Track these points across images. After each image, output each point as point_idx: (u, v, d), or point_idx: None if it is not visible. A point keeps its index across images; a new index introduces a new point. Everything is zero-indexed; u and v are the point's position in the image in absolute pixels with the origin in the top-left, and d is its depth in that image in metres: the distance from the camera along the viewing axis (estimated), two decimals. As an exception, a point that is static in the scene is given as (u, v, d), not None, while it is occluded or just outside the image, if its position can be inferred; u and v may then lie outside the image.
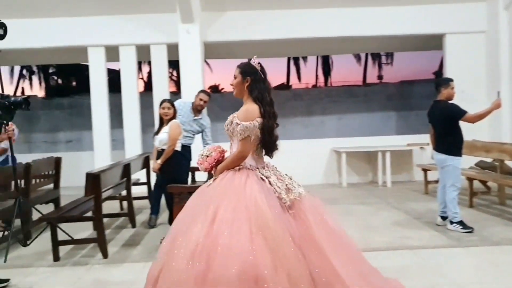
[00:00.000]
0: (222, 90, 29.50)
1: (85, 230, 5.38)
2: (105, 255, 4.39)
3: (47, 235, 4.82)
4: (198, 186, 2.88)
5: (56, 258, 4.34)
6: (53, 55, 10.53)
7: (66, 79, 26.10)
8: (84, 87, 14.02)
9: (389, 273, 3.14)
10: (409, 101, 14.54)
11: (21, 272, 4.06)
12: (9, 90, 25.13)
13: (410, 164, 9.24)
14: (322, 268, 2.44)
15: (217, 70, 49.89)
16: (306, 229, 2.55)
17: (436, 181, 6.00)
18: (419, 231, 5.06)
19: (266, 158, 2.90)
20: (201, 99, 5.93)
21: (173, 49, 8.77)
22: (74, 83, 25.49)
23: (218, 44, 9.19)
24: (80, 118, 13.70)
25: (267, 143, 2.78)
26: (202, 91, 6.15)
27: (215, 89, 27.86)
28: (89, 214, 4.85)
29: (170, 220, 4.30)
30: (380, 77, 30.77)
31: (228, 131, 2.79)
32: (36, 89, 27.82)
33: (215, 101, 14.35)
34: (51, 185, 6.16)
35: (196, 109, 5.96)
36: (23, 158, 6.28)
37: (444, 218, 5.26)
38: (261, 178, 2.69)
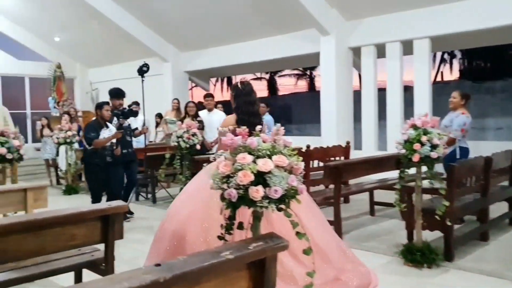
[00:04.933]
0: None
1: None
2: None
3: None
4: None
5: None
6: (477, 38, 9.69)
7: (492, 62, 24.23)
8: None
9: None
10: None
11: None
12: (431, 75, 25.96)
13: None
14: None
15: None
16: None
17: None
18: None
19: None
20: None
21: None
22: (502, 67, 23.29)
23: None
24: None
25: None
26: None
27: None
28: None
29: None
30: None
31: None
32: (455, 73, 27.67)
33: None
34: (505, 182, 5.46)
35: None
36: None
37: None
38: None
